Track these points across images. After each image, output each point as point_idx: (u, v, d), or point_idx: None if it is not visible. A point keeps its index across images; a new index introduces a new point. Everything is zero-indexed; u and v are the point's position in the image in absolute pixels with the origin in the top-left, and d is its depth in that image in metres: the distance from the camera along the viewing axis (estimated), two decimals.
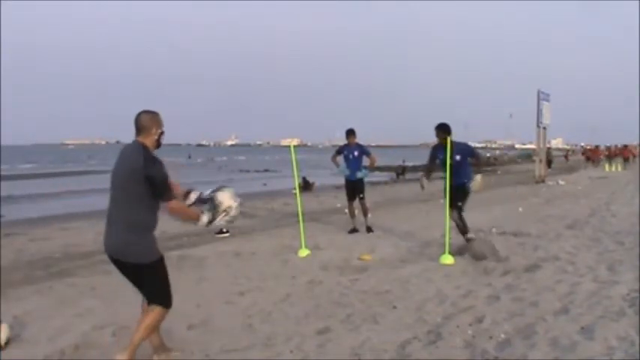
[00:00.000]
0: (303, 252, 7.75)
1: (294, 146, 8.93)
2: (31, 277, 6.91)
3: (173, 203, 3.75)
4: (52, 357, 4.11)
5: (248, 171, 45.74)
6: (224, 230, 10.17)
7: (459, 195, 7.69)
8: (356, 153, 9.58)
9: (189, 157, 75.47)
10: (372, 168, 10.41)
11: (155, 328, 3.95)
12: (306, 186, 22.12)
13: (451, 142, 7.47)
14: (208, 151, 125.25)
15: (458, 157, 7.64)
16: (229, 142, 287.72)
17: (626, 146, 39.13)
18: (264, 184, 27.91)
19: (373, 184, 27.02)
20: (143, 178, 3.62)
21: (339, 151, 9.79)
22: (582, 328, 4.39)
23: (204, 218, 3.95)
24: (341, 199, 16.17)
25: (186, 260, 7.49)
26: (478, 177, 7.69)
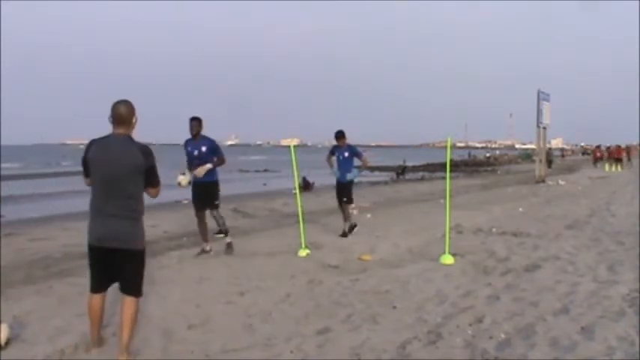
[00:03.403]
0: (303, 252, 7.76)
1: (294, 146, 8.92)
2: (31, 277, 6.91)
3: (155, 191, 4.07)
4: (52, 357, 4.10)
5: (248, 171, 45.74)
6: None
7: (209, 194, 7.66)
8: (346, 154, 9.45)
9: None
10: (364, 168, 9.95)
11: (136, 318, 4.05)
12: (306, 186, 22.12)
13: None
14: None
15: (203, 149, 7.55)
16: (229, 142, 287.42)
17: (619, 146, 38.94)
18: (264, 184, 27.92)
19: (373, 184, 26.99)
20: (144, 171, 3.88)
21: (332, 151, 9.68)
22: (582, 328, 4.40)
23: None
24: None
25: (186, 260, 7.49)
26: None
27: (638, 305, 4.91)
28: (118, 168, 3.82)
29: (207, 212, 7.78)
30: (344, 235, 9.30)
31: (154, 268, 7.00)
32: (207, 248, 7.91)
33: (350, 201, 9.58)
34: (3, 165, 42.86)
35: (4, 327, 4.32)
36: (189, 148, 7.64)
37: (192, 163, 7.55)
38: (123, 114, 3.90)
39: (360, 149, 9.91)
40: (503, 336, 4.29)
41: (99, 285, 4.04)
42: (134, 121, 3.97)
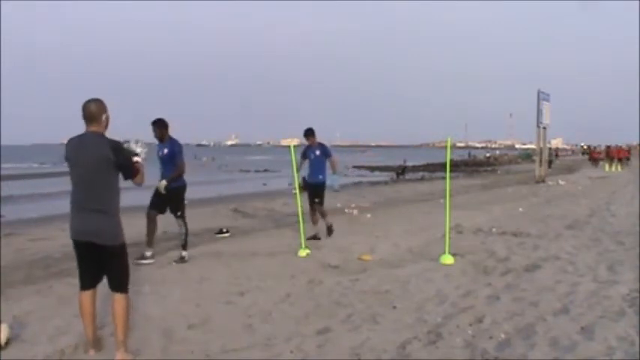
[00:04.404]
0: (303, 252, 7.76)
1: (294, 146, 8.92)
2: (31, 277, 6.90)
3: (138, 178, 4.12)
4: (52, 357, 4.11)
5: (248, 171, 45.78)
6: (224, 230, 10.17)
7: (172, 201, 7.22)
8: (317, 152, 9.01)
9: (195, 158, 76.08)
10: (334, 171, 9.22)
11: (128, 314, 4.10)
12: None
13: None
14: (209, 151, 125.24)
15: (165, 151, 7.21)
16: (229, 142, 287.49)
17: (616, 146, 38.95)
18: (264, 184, 27.93)
19: (373, 184, 27.03)
20: (114, 167, 3.94)
21: (304, 154, 9.14)
22: (582, 328, 4.40)
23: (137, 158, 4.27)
24: (340, 199, 16.17)
25: (186, 260, 7.48)
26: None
27: (638, 305, 4.91)
28: (89, 165, 3.90)
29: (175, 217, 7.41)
30: (330, 231, 9.07)
31: (153, 268, 7.01)
32: (148, 254, 7.28)
33: (322, 203, 9.10)
34: (3, 165, 42.92)
35: (4, 327, 4.32)
36: (157, 148, 7.34)
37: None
38: (92, 112, 3.97)
39: (329, 148, 9.30)
40: (503, 336, 4.29)
41: (86, 282, 4.09)
42: (104, 118, 4.02)
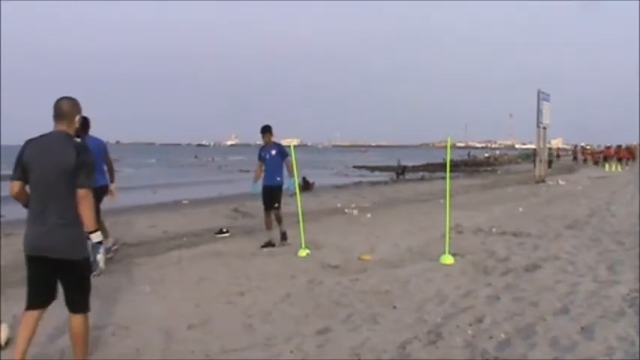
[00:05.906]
0: (303, 252, 7.75)
1: (294, 146, 8.90)
2: None
3: (85, 195, 3.49)
4: (52, 357, 4.11)
5: (248, 171, 45.76)
6: (224, 230, 10.17)
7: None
8: (273, 152, 8.38)
9: (195, 158, 76.27)
10: (290, 173, 8.45)
11: (88, 336, 3.74)
12: (305, 186, 22.11)
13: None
14: (209, 151, 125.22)
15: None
16: (229, 142, 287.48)
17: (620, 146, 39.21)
18: None
19: (373, 184, 27.01)
20: (78, 169, 3.47)
21: (260, 155, 8.55)
22: (582, 328, 4.40)
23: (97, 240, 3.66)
24: (341, 199, 16.18)
25: (186, 260, 7.49)
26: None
27: (638, 305, 4.91)
28: (51, 169, 3.46)
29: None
30: (284, 237, 8.43)
31: (154, 268, 7.02)
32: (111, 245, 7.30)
33: (280, 207, 8.40)
34: (3, 165, 42.79)
35: (4, 327, 4.33)
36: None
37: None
38: (63, 109, 3.58)
39: (288, 150, 8.57)
40: (503, 336, 4.29)
41: (37, 301, 3.64)
42: (77, 119, 3.64)
